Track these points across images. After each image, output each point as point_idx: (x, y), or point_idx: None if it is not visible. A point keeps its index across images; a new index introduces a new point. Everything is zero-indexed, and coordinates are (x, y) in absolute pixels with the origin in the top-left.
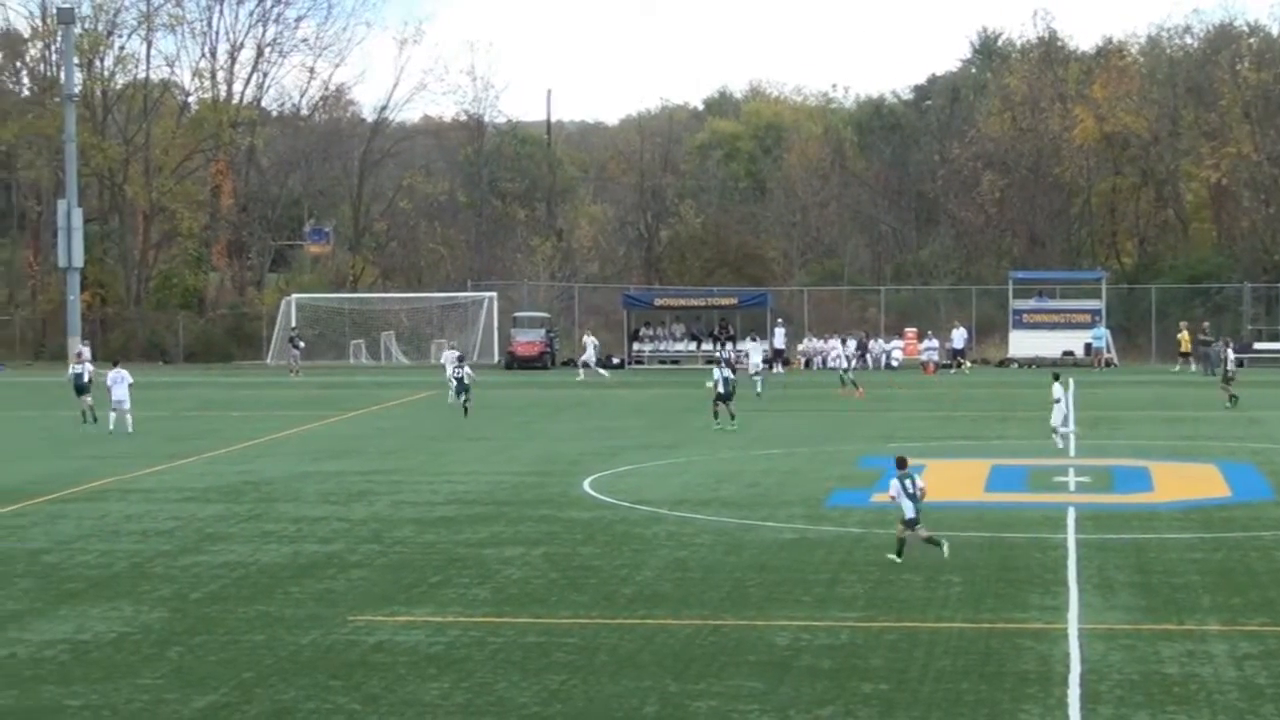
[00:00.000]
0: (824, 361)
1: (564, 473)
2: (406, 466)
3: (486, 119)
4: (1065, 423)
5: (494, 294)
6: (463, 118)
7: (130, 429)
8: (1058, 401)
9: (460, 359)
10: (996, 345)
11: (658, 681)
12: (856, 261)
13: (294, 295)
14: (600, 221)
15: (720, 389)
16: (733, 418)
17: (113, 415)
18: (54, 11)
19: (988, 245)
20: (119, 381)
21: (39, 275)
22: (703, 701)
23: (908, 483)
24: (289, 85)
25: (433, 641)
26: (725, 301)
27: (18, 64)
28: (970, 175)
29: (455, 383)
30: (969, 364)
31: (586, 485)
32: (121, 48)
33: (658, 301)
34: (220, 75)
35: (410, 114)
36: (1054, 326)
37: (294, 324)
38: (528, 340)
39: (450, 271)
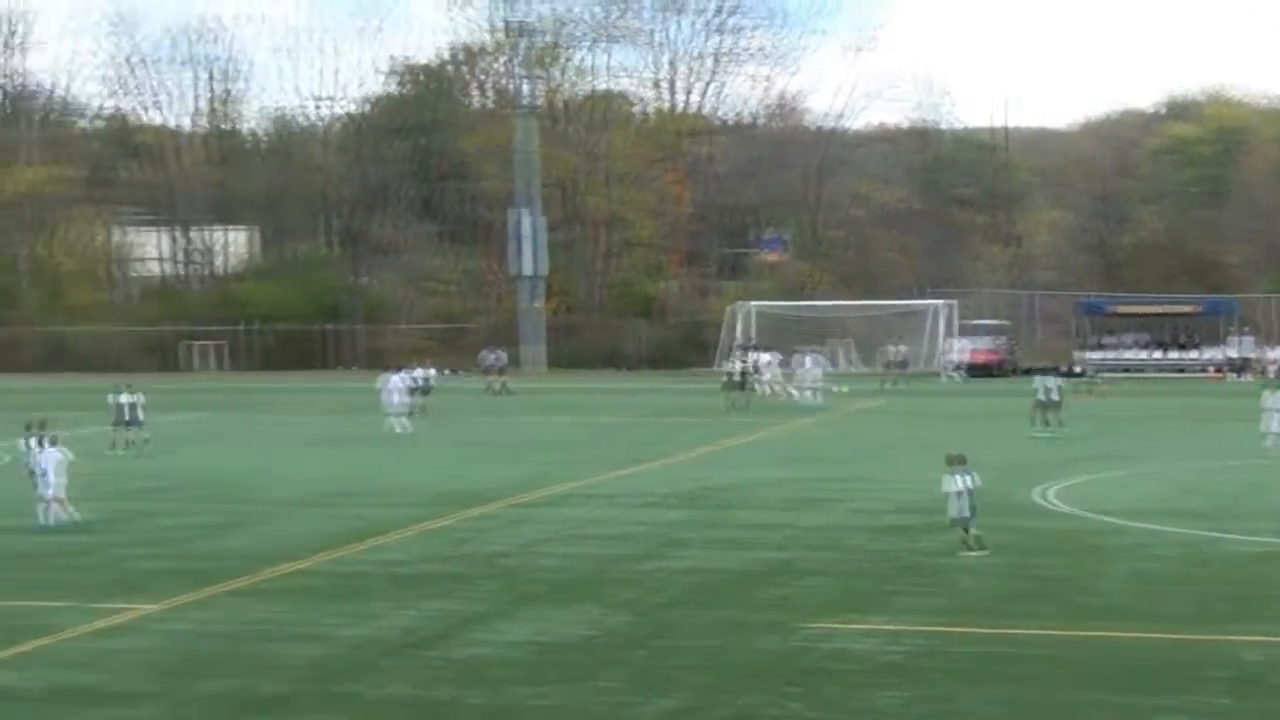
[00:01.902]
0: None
1: (1021, 481)
2: (859, 474)
3: (940, 125)
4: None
5: (949, 301)
6: (916, 124)
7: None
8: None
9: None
10: None
11: (1118, 694)
12: None
13: (749, 303)
14: (1057, 228)
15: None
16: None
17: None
18: (511, 25)
19: None
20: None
21: (499, 283)
22: (1166, 716)
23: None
24: (742, 94)
25: (888, 650)
26: (1186, 309)
27: (478, 77)
28: None
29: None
30: None
31: (1044, 494)
32: (580, 59)
33: (1113, 309)
34: (675, 85)
35: (863, 121)
36: None
37: (740, 332)
38: (984, 348)
39: (905, 279)
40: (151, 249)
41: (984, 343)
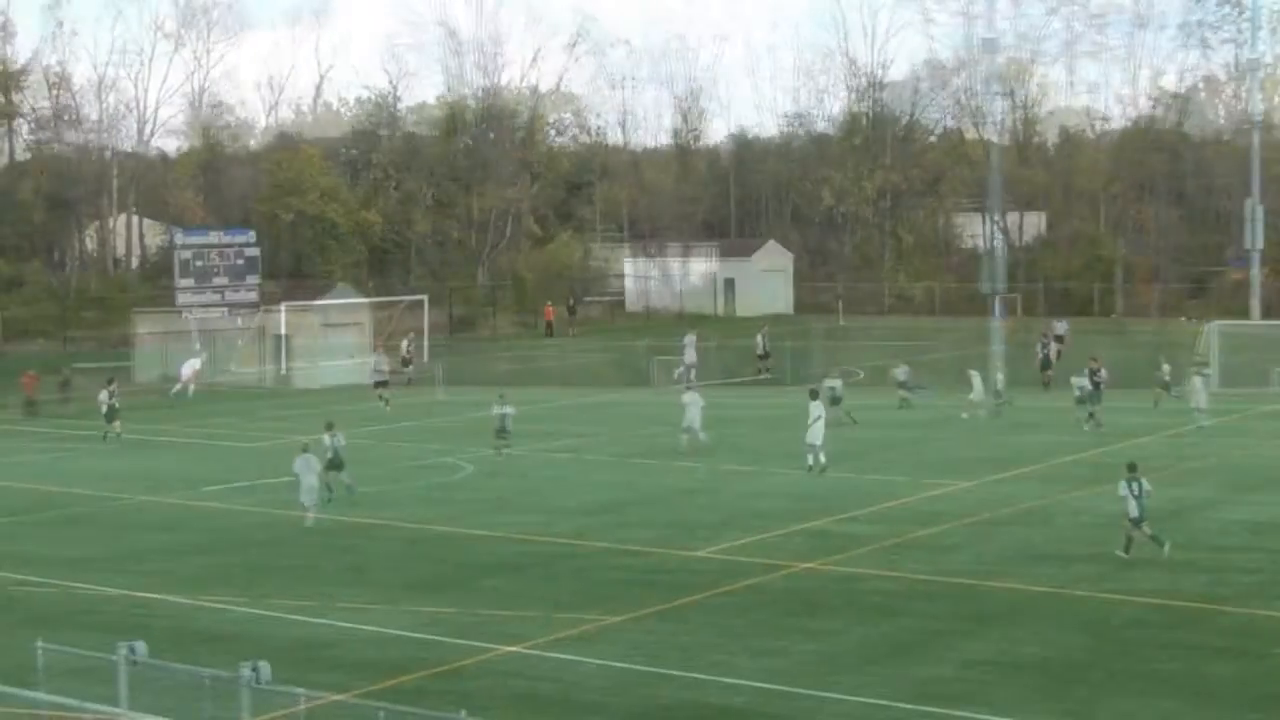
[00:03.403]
0: None
1: None
2: None
3: None
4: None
5: None
6: None
7: None
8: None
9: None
10: None
11: None
12: None
13: (1219, 322)
14: None
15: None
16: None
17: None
18: (978, 41)
19: None
20: None
21: (957, 302)
22: None
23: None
24: (1210, 109)
25: None
26: None
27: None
28: None
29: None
30: None
31: None
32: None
33: None
34: (1141, 100)
35: None
36: None
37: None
38: None
39: None
40: (621, 266)
41: None
